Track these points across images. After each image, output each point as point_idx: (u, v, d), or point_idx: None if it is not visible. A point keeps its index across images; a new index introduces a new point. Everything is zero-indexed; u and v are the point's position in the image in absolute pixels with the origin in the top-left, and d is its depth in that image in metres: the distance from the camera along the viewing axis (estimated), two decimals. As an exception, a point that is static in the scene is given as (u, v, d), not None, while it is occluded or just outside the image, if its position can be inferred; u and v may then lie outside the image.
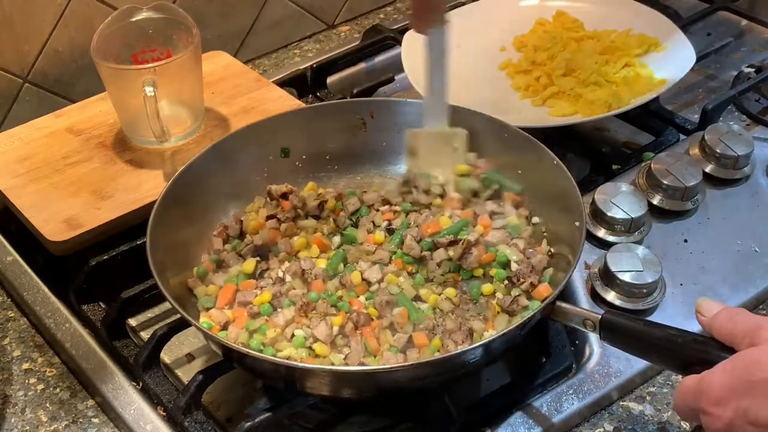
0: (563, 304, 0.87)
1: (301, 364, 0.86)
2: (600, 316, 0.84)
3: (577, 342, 0.97)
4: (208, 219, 1.05)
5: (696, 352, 0.77)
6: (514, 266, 0.96)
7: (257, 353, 0.86)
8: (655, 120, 1.25)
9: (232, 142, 1.07)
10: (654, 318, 0.99)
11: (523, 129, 1.04)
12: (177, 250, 0.99)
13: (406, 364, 0.87)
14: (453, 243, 0.98)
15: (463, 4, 1.49)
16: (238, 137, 1.08)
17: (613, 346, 0.86)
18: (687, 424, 0.90)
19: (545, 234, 1.01)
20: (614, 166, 1.17)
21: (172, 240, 0.97)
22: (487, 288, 0.96)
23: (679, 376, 0.94)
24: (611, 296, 0.99)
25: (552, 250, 0.99)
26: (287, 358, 0.89)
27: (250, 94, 1.26)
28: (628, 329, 0.83)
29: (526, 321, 0.85)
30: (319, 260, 1.00)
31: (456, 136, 1.05)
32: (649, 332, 0.81)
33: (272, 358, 0.87)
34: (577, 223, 0.94)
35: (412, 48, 1.32)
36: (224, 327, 0.93)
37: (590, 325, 0.85)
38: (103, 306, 1.08)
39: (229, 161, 1.07)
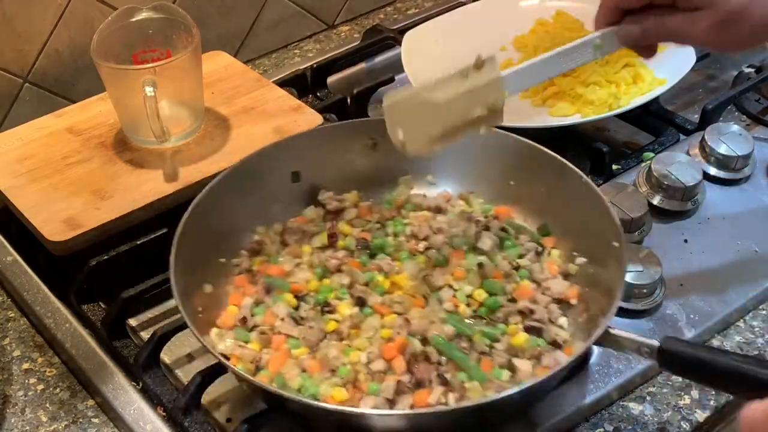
0: (617, 332, 0.84)
1: (349, 409, 0.83)
2: (658, 345, 0.81)
3: (577, 342, 0.97)
4: (228, 247, 1.02)
5: (763, 375, 0.75)
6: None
7: (301, 397, 0.84)
8: (655, 120, 1.25)
9: (251, 166, 1.04)
10: (654, 318, 0.99)
11: (523, 129, 1.04)
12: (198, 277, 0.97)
13: (449, 408, 0.83)
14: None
15: (463, 4, 1.49)
16: (249, 164, 1.04)
17: (674, 373, 0.84)
18: (687, 423, 0.90)
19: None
20: (614, 166, 1.17)
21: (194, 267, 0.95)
22: (516, 339, 0.91)
23: (679, 377, 0.94)
24: (611, 296, 0.99)
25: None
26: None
27: (250, 94, 1.26)
28: (690, 357, 0.80)
29: (577, 357, 0.84)
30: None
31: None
32: (713, 360, 0.79)
33: (315, 402, 0.83)
34: (615, 244, 0.90)
35: (412, 48, 1.32)
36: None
37: (647, 353, 0.82)
38: (103, 306, 1.08)
39: (243, 189, 1.04)
